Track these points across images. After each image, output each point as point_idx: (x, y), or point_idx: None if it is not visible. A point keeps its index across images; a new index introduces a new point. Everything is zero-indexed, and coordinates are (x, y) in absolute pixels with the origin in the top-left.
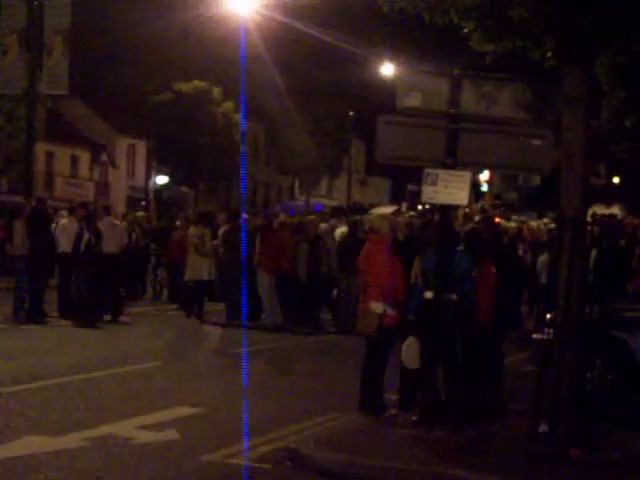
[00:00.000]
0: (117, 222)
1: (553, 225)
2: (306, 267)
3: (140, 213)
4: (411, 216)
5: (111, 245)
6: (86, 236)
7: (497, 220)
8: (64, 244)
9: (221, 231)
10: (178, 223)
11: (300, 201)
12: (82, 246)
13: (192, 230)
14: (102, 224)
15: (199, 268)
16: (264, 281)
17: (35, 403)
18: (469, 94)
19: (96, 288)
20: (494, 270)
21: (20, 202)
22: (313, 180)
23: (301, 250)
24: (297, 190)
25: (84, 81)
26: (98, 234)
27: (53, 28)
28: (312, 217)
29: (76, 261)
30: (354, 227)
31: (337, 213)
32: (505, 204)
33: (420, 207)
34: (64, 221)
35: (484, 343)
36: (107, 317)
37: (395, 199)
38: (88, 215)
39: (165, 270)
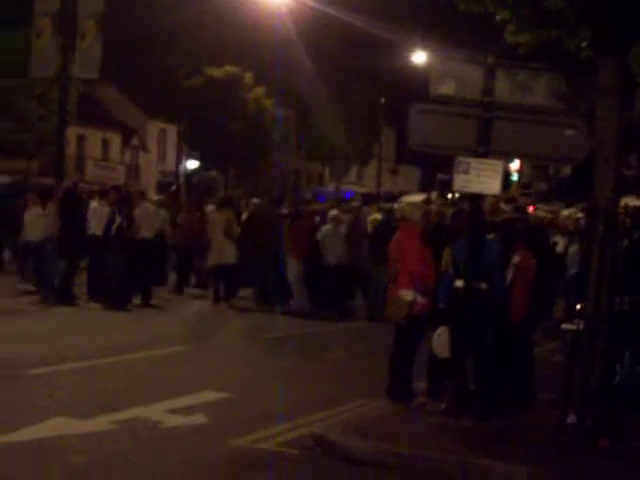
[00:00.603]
0: (151, 207)
1: (580, 215)
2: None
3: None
4: (441, 204)
5: (145, 230)
6: (118, 220)
7: (531, 209)
8: (95, 227)
9: (245, 216)
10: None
11: (330, 188)
12: (113, 230)
13: (217, 215)
14: (138, 209)
15: (225, 252)
16: (293, 267)
17: (64, 385)
18: (503, 83)
19: (127, 272)
20: (533, 261)
21: (52, 184)
22: (343, 167)
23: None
24: (327, 177)
25: (116, 65)
26: (130, 219)
27: (86, 11)
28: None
29: (107, 244)
30: (388, 215)
31: (367, 201)
32: (535, 193)
33: (450, 196)
34: (94, 204)
35: (515, 333)
36: (137, 301)
37: (425, 188)
38: (121, 199)
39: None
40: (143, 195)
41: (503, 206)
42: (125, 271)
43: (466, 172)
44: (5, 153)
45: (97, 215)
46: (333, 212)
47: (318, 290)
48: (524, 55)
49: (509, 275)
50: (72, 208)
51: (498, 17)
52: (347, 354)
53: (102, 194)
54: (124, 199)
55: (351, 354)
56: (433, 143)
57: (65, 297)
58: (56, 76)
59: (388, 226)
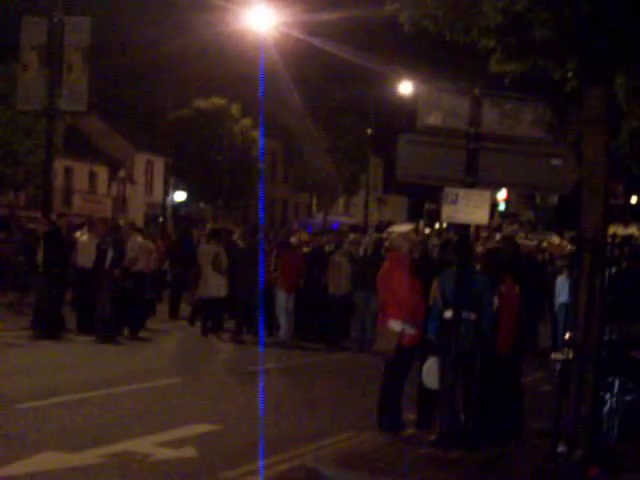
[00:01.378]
0: (142, 239)
1: (569, 245)
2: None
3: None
4: (427, 234)
5: (138, 263)
6: (110, 253)
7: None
8: (84, 260)
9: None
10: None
11: (318, 218)
12: (107, 263)
13: (205, 247)
14: (131, 242)
15: (213, 285)
16: (281, 298)
17: (54, 419)
18: (490, 113)
19: (119, 305)
20: (517, 290)
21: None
22: (331, 197)
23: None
24: (315, 207)
25: (103, 97)
26: (122, 251)
27: (73, 44)
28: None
29: (99, 278)
30: (376, 245)
31: (355, 231)
32: (521, 222)
33: (437, 225)
34: (84, 237)
35: (503, 362)
36: (125, 333)
37: (413, 217)
38: (112, 231)
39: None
40: (134, 227)
41: (484, 234)
42: (117, 304)
43: (454, 202)
44: None
45: (86, 248)
46: (351, 236)
47: (315, 321)
48: (510, 84)
49: (495, 304)
50: (57, 241)
51: (482, 44)
52: (336, 386)
53: (89, 226)
54: (112, 231)
55: (340, 386)
56: (421, 173)
57: (52, 330)
58: (43, 109)
59: (375, 256)
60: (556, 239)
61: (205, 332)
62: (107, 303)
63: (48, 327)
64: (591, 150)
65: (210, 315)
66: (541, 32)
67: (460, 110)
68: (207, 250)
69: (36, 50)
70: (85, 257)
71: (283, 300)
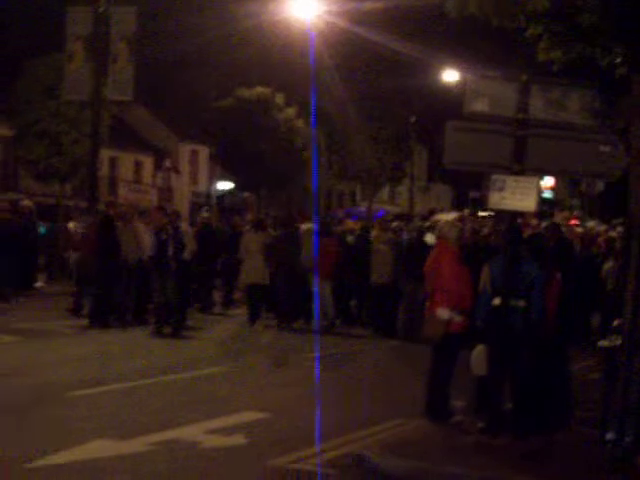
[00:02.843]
0: (188, 228)
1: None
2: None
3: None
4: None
5: (185, 252)
6: (172, 244)
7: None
8: (142, 250)
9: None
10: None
11: (362, 207)
12: (170, 253)
13: (252, 235)
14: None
15: (257, 272)
16: (321, 286)
17: (102, 407)
18: (537, 100)
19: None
20: (559, 277)
21: (83, 207)
22: (375, 186)
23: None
24: (359, 196)
25: (147, 87)
26: (182, 242)
27: (119, 34)
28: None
29: (161, 268)
30: (419, 234)
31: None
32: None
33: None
34: (141, 226)
35: (552, 350)
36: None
37: (457, 205)
38: (172, 222)
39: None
40: (179, 216)
41: (533, 221)
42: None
43: (501, 190)
44: (38, 176)
45: (144, 238)
46: (395, 223)
47: (362, 309)
48: (557, 71)
49: None
50: (108, 231)
51: (529, 32)
52: (384, 373)
53: (140, 215)
54: (175, 223)
55: (388, 373)
56: (468, 160)
57: (105, 319)
58: (89, 99)
59: (420, 244)
60: (602, 227)
61: (252, 319)
62: (174, 293)
63: (103, 317)
64: (639, 136)
65: (255, 302)
66: (588, 18)
67: (507, 97)
68: (253, 239)
69: (81, 40)
70: (143, 247)
71: (323, 288)
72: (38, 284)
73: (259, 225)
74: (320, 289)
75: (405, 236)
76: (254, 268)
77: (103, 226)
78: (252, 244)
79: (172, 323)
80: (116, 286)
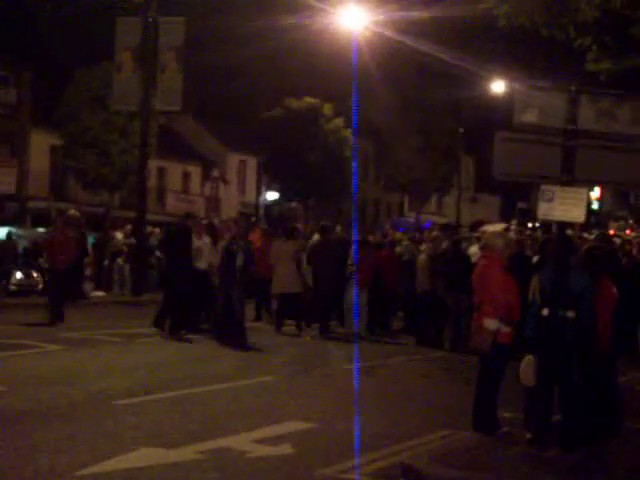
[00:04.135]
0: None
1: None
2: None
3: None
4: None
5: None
6: (240, 256)
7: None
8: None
9: (310, 244)
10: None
11: (410, 218)
12: (239, 266)
13: (284, 244)
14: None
15: (288, 281)
16: (352, 294)
17: (150, 416)
18: (586, 110)
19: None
20: (614, 290)
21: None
22: (422, 197)
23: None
24: (406, 207)
25: (195, 97)
26: (251, 254)
27: (167, 45)
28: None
29: (230, 280)
30: (456, 245)
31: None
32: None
33: (530, 224)
34: (207, 239)
35: (601, 362)
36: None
37: (504, 216)
38: (242, 235)
39: None
40: (229, 227)
41: (586, 235)
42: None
43: (550, 200)
44: (87, 186)
45: (204, 249)
46: (434, 233)
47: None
48: (606, 82)
49: None
50: (183, 242)
51: (578, 43)
52: (431, 384)
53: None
54: (242, 235)
55: (435, 384)
56: (517, 171)
57: (178, 330)
58: (137, 109)
59: (456, 255)
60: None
61: (279, 327)
62: (239, 304)
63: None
64: None
65: (285, 311)
66: (638, 30)
67: (556, 107)
68: (285, 247)
69: (130, 51)
70: (200, 258)
71: (360, 297)
72: (94, 293)
73: (290, 233)
74: (351, 297)
75: (445, 246)
76: (284, 276)
77: (180, 236)
78: (282, 252)
79: (235, 333)
80: (189, 295)
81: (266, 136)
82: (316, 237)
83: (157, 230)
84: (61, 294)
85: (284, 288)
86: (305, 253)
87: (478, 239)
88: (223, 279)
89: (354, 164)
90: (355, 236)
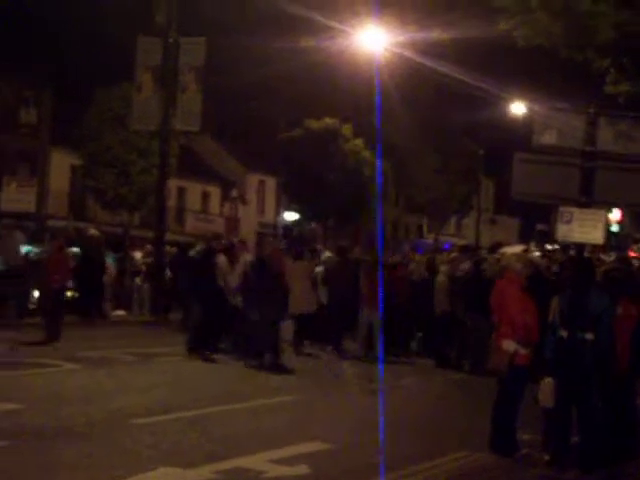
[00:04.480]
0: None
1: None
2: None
3: None
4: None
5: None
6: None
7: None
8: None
9: (327, 264)
10: None
11: (429, 239)
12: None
13: (295, 264)
14: (242, 259)
15: (303, 300)
16: (369, 317)
17: (168, 435)
18: (605, 132)
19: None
20: (633, 311)
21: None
22: (441, 218)
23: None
24: (425, 228)
25: (215, 117)
26: (280, 273)
27: (187, 65)
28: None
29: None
30: (476, 265)
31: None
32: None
33: (549, 247)
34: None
35: (619, 384)
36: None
37: (524, 238)
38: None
39: None
40: (245, 246)
41: (604, 257)
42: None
43: (569, 222)
44: (106, 205)
45: (227, 269)
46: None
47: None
48: (624, 104)
49: None
50: (211, 262)
51: (596, 65)
52: (449, 405)
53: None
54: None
55: (453, 405)
56: (535, 192)
57: (198, 349)
58: (157, 129)
59: (475, 277)
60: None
61: (298, 348)
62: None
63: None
64: None
65: (303, 331)
66: None
67: (575, 129)
68: (292, 267)
69: (151, 71)
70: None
71: (365, 317)
72: (115, 312)
73: (297, 255)
74: (374, 320)
75: (463, 267)
76: (298, 297)
77: (206, 257)
78: (293, 273)
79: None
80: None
81: (285, 156)
82: (327, 255)
83: (174, 249)
84: (58, 313)
85: (301, 308)
86: (320, 273)
87: (498, 260)
88: (246, 299)
89: (379, 184)
90: (380, 258)
